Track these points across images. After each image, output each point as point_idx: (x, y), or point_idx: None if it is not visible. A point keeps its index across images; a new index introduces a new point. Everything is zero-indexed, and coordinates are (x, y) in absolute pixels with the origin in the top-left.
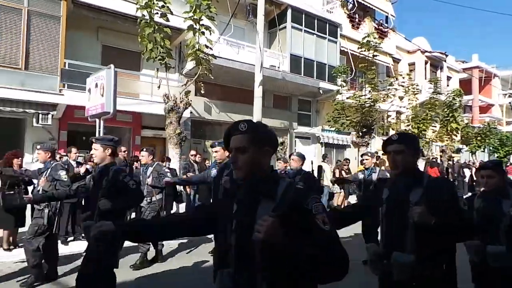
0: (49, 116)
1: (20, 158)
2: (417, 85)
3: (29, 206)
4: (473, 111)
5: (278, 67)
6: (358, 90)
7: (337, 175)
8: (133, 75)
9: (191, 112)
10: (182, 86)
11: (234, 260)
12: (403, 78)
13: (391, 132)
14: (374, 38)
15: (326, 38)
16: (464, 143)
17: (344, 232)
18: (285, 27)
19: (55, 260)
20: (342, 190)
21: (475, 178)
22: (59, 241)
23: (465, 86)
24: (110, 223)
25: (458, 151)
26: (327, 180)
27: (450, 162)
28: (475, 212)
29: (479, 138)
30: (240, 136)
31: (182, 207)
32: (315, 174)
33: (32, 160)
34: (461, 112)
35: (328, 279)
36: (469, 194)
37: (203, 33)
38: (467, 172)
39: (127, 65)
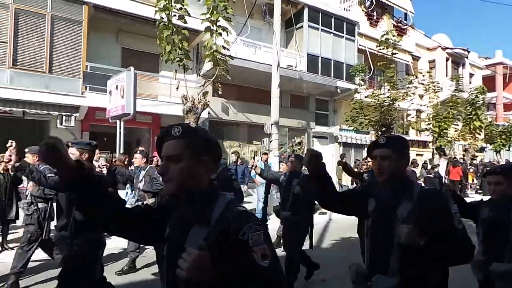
0: (72, 117)
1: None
2: (438, 83)
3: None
4: (497, 108)
5: (295, 67)
6: (376, 89)
7: None
8: (152, 77)
9: (208, 113)
10: (200, 87)
11: None
12: (423, 76)
13: (411, 131)
14: (393, 35)
15: (343, 36)
16: (488, 141)
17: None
18: (302, 27)
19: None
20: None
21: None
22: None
23: (489, 83)
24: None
25: (482, 150)
26: (345, 179)
27: (474, 162)
28: (480, 222)
29: (503, 136)
30: (173, 142)
31: None
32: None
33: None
34: (484, 110)
35: None
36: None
37: (220, 34)
38: None
39: (146, 67)
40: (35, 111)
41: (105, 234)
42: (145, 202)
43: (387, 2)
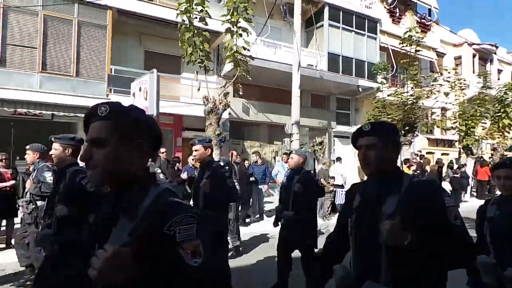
0: None
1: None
2: (464, 80)
3: None
4: None
5: (316, 66)
6: (399, 87)
7: None
8: (174, 79)
9: (229, 113)
10: (220, 88)
11: None
12: (449, 73)
13: (436, 130)
14: (416, 32)
15: (365, 34)
16: None
17: None
18: (322, 26)
19: None
20: None
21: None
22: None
23: None
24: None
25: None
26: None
27: None
28: (486, 222)
29: None
30: (98, 123)
31: None
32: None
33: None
34: None
35: None
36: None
37: (240, 35)
38: None
39: (168, 69)
40: (63, 114)
41: None
42: None
43: None
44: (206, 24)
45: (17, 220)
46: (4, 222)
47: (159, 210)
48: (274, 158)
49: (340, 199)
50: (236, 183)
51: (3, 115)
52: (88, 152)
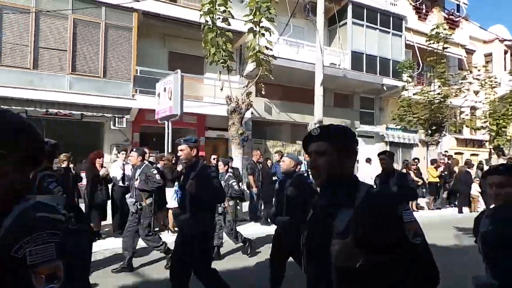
0: (124, 119)
1: (102, 158)
2: (495, 78)
3: (109, 202)
4: None
5: (339, 65)
6: (426, 86)
7: None
8: (197, 79)
9: (252, 113)
10: (243, 87)
11: None
12: (479, 70)
13: (465, 130)
14: (444, 29)
15: (390, 32)
16: None
17: None
18: (345, 24)
19: None
20: None
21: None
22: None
23: None
24: None
25: None
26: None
27: None
28: (479, 238)
29: None
30: None
31: (245, 206)
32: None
33: (110, 160)
34: None
35: None
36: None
37: (263, 34)
38: None
39: (191, 69)
40: (91, 114)
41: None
42: (142, 203)
43: None
44: (229, 24)
45: None
46: None
47: (16, 230)
48: None
49: None
50: (224, 184)
51: (35, 115)
52: None
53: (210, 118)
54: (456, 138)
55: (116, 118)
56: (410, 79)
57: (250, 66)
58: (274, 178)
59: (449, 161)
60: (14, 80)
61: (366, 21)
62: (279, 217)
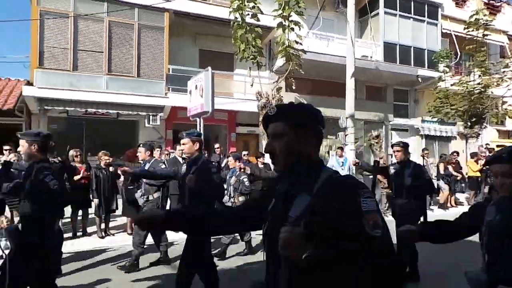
0: (158, 117)
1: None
2: None
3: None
4: None
5: (371, 57)
6: (464, 75)
7: (441, 171)
8: (228, 75)
9: None
10: (273, 83)
11: None
12: None
13: (508, 121)
14: (484, 15)
15: (424, 21)
16: None
17: None
18: (377, 14)
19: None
20: (447, 186)
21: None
22: None
23: None
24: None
25: None
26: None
27: None
28: (485, 226)
29: None
30: None
31: None
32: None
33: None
34: None
35: None
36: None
37: (292, 29)
38: None
39: (221, 66)
40: (127, 112)
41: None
42: (150, 196)
43: None
44: (258, 20)
45: (91, 210)
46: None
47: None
48: (328, 152)
49: None
50: (235, 179)
51: (75, 115)
52: None
53: (241, 114)
54: (498, 130)
55: (150, 116)
56: (447, 69)
57: (279, 61)
58: None
59: (490, 154)
60: (55, 82)
61: (399, 10)
62: None
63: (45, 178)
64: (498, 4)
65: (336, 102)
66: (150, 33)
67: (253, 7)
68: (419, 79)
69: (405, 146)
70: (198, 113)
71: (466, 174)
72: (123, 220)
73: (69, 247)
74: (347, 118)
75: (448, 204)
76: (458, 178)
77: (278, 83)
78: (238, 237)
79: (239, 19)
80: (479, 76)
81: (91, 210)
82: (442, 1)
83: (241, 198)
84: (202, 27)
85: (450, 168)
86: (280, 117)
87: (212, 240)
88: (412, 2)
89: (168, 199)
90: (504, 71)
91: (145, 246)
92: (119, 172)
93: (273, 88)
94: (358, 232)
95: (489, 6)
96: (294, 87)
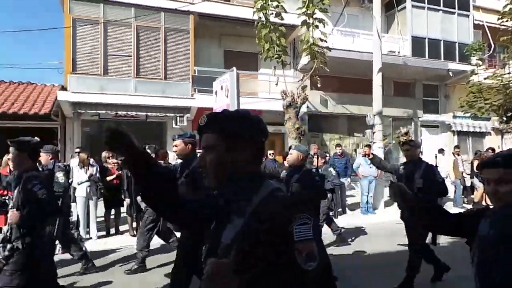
0: (185, 118)
1: (167, 158)
2: None
3: None
4: None
5: (398, 52)
6: (499, 68)
7: (476, 168)
8: (252, 75)
9: (307, 106)
10: (298, 81)
11: None
12: None
13: None
14: None
15: (455, 12)
16: None
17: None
18: (404, 8)
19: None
20: (481, 184)
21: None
22: None
23: None
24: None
25: None
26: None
27: None
28: (476, 243)
29: None
30: None
31: None
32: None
33: (173, 158)
34: None
35: None
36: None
37: (317, 26)
38: None
39: (246, 66)
40: (155, 114)
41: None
42: None
43: None
44: (282, 19)
45: (123, 209)
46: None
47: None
48: (355, 150)
49: None
50: None
51: (106, 117)
52: None
53: (266, 114)
54: None
55: (177, 117)
56: (480, 62)
57: (304, 60)
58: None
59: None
60: (87, 86)
61: (428, 3)
62: None
63: (33, 188)
64: None
65: (363, 99)
66: (176, 36)
67: (277, 6)
68: (450, 73)
69: (415, 144)
70: None
71: None
72: None
73: (102, 245)
74: (374, 115)
75: (483, 202)
76: None
77: (303, 82)
78: None
79: (263, 18)
80: None
81: (123, 209)
82: None
83: None
84: (226, 28)
85: None
86: (210, 127)
87: None
88: None
89: None
90: None
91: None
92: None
93: (298, 86)
94: (286, 265)
95: None
96: (319, 85)
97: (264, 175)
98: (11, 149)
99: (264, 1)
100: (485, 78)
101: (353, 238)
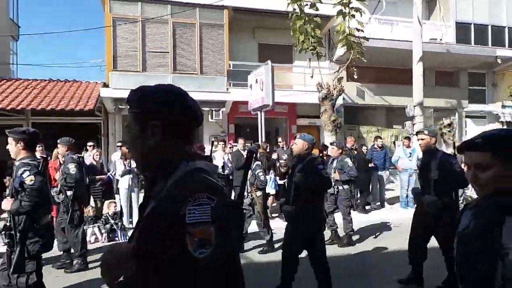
0: (220, 112)
1: (204, 150)
2: None
3: None
4: None
5: (441, 39)
6: None
7: None
8: (287, 68)
9: (344, 98)
10: (334, 73)
11: None
12: None
13: None
14: None
15: None
16: None
17: None
18: None
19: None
20: None
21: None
22: None
23: None
24: None
25: None
26: None
27: None
28: (456, 239)
29: None
30: None
31: None
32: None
33: (210, 150)
34: None
35: None
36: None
37: (353, 16)
38: None
39: (280, 59)
40: None
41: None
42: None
43: None
44: (316, 9)
45: None
46: None
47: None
48: (394, 143)
49: None
50: (250, 173)
51: None
52: None
53: (301, 106)
54: None
55: (213, 111)
56: None
57: (340, 51)
58: (370, 164)
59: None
60: (127, 82)
61: None
62: (285, 205)
63: (22, 174)
64: None
65: (402, 90)
66: (211, 31)
67: None
68: (498, 60)
69: (430, 134)
70: (259, 106)
71: None
72: None
73: None
74: (414, 106)
75: None
76: None
77: (339, 73)
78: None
79: (297, 10)
80: None
81: None
82: None
83: (259, 193)
84: (260, 21)
85: None
86: (129, 106)
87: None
88: None
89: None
90: None
91: None
92: None
93: (334, 78)
94: (178, 251)
95: None
96: (356, 76)
97: (189, 155)
98: (8, 139)
99: None
100: None
101: (390, 232)
